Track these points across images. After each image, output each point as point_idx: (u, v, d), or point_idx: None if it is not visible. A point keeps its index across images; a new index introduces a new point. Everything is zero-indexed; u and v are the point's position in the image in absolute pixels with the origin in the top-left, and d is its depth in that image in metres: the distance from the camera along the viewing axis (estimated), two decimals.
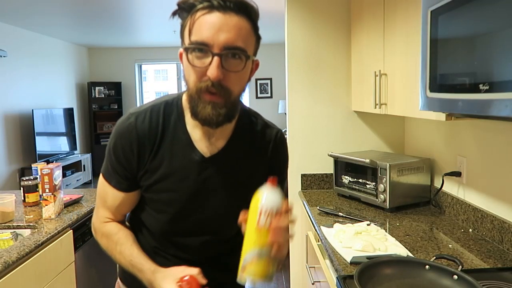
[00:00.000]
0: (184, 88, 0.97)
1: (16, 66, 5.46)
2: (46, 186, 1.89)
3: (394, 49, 1.74)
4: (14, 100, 5.44)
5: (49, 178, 1.89)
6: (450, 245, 1.48)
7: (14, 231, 1.83)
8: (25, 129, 5.65)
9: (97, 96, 7.54)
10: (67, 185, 5.90)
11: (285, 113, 2.60)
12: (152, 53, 7.85)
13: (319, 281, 1.64)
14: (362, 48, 2.18)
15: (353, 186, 2.14)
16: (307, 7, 2.37)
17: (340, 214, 1.87)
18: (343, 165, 2.22)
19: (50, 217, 1.89)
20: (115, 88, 7.76)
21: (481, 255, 1.39)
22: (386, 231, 1.62)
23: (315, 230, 1.76)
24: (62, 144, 6.37)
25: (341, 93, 2.43)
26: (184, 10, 0.86)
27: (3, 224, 1.84)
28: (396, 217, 1.83)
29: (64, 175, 5.74)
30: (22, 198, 2.11)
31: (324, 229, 1.67)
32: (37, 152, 5.56)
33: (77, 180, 6.40)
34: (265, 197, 0.76)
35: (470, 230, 1.64)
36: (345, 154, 2.20)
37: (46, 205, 1.89)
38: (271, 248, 0.78)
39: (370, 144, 2.46)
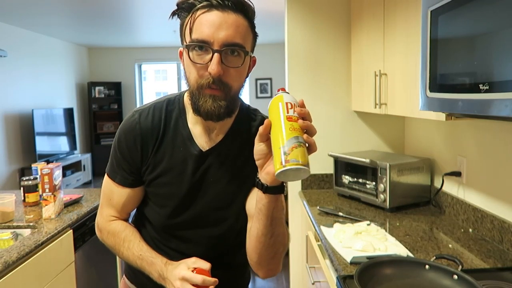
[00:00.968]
0: (184, 88, 1.01)
1: (16, 66, 5.46)
2: (46, 186, 1.89)
3: (394, 49, 1.74)
4: (14, 100, 5.44)
5: (49, 178, 1.89)
6: (450, 245, 1.48)
7: (14, 231, 1.83)
8: (25, 129, 5.65)
9: (97, 96, 7.53)
10: (67, 185, 5.90)
11: None
12: (152, 53, 7.85)
13: (319, 281, 1.64)
14: (362, 48, 2.18)
15: (353, 186, 2.14)
16: (307, 7, 2.37)
17: (340, 214, 1.87)
18: (343, 165, 2.22)
19: (50, 217, 1.89)
20: (115, 88, 7.76)
21: (481, 255, 1.39)
22: (386, 231, 1.62)
23: (315, 230, 1.76)
24: (62, 144, 6.37)
25: (341, 93, 2.43)
26: (184, 10, 0.89)
27: (3, 224, 1.84)
28: (396, 217, 1.83)
29: (64, 175, 5.74)
30: (22, 198, 2.11)
31: (324, 229, 1.67)
32: (37, 152, 5.56)
33: (77, 180, 6.39)
34: (285, 96, 0.80)
35: (470, 230, 1.64)
36: (345, 154, 2.20)
37: (46, 205, 1.89)
38: (304, 135, 0.78)
39: (370, 144, 2.46)
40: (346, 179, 2.19)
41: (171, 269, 0.92)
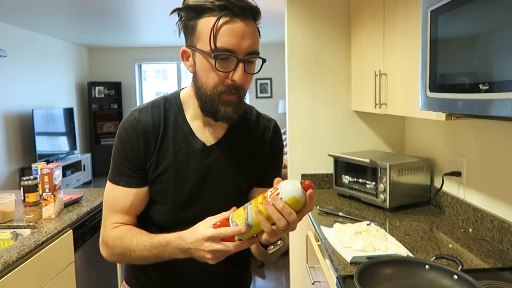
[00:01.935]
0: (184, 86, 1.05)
1: (16, 66, 5.46)
2: (46, 186, 1.89)
3: (394, 49, 1.74)
4: (14, 100, 5.44)
5: (49, 178, 1.89)
6: (450, 245, 1.48)
7: (14, 231, 1.83)
8: (25, 129, 5.65)
9: (97, 96, 7.53)
10: (67, 185, 5.90)
11: (285, 113, 2.60)
12: (152, 53, 7.85)
13: (319, 281, 1.64)
14: (362, 48, 2.18)
15: (353, 186, 2.14)
16: (307, 7, 2.37)
17: (340, 214, 1.87)
18: (343, 165, 2.22)
19: (50, 217, 1.89)
20: (115, 88, 7.76)
21: (481, 255, 1.39)
22: (386, 231, 1.62)
23: (315, 230, 1.76)
24: (62, 144, 6.37)
25: (341, 93, 2.43)
26: (192, 11, 0.90)
27: (3, 224, 1.84)
28: (396, 217, 1.83)
29: (64, 175, 5.74)
30: (22, 198, 2.11)
31: (324, 229, 1.67)
32: (37, 152, 5.56)
33: (77, 180, 6.39)
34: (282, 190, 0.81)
35: (470, 230, 1.64)
36: (345, 154, 2.20)
37: (46, 205, 1.89)
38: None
39: (370, 144, 2.46)
40: (346, 179, 2.19)
41: (190, 236, 0.87)
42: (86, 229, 2.04)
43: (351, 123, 2.45)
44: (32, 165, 2.20)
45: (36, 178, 2.09)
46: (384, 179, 1.90)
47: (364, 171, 2.07)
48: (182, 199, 1.00)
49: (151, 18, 5.25)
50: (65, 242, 1.83)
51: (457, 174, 1.76)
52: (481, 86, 0.95)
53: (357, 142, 2.45)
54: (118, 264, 2.27)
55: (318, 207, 1.97)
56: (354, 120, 2.45)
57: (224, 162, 1.02)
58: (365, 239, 1.45)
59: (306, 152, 2.45)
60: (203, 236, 0.84)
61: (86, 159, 6.80)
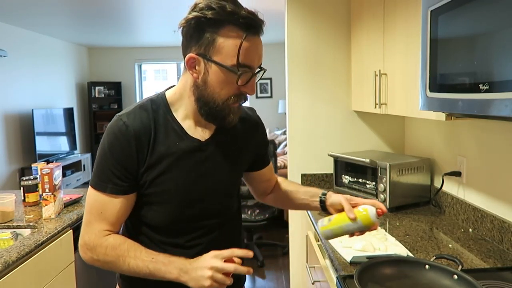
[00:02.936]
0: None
1: (16, 66, 5.46)
2: (46, 186, 1.89)
3: (394, 49, 1.74)
4: (14, 100, 5.44)
5: (49, 178, 1.89)
6: (450, 245, 1.48)
7: (14, 231, 1.83)
8: (25, 129, 5.65)
9: (97, 96, 7.53)
10: (67, 185, 5.90)
11: (285, 113, 2.60)
12: (152, 53, 7.85)
13: (319, 281, 1.64)
14: (362, 48, 2.18)
15: (353, 186, 2.14)
16: (307, 7, 2.37)
17: None
18: (343, 165, 2.22)
19: (50, 217, 1.89)
20: (115, 88, 7.75)
21: (481, 255, 1.39)
22: (386, 231, 1.62)
23: (315, 230, 1.76)
24: (62, 144, 6.36)
25: (341, 93, 2.43)
26: (213, 24, 0.90)
27: (3, 224, 1.84)
28: (396, 217, 1.83)
29: (64, 175, 5.74)
30: (22, 198, 2.11)
31: None
32: (37, 152, 5.56)
33: (77, 180, 6.40)
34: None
35: (470, 230, 1.64)
36: (345, 154, 2.20)
37: (46, 205, 1.89)
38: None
39: (370, 144, 2.46)
40: (346, 179, 2.19)
41: (195, 261, 0.91)
42: None
43: (351, 123, 2.45)
44: (32, 165, 2.20)
45: (36, 178, 2.09)
46: (384, 179, 1.90)
47: (364, 171, 2.07)
48: (185, 197, 1.02)
49: (151, 18, 5.24)
50: (65, 242, 1.83)
51: (457, 174, 1.76)
52: (481, 86, 0.95)
53: (357, 142, 2.45)
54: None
55: None
56: (354, 120, 2.45)
57: (218, 156, 1.05)
58: (365, 239, 1.45)
59: (306, 152, 2.44)
60: (208, 265, 0.88)
61: (86, 159, 6.80)
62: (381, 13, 1.87)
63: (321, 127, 2.45)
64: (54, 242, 1.74)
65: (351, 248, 1.42)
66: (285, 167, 4.41)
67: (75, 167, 6.40)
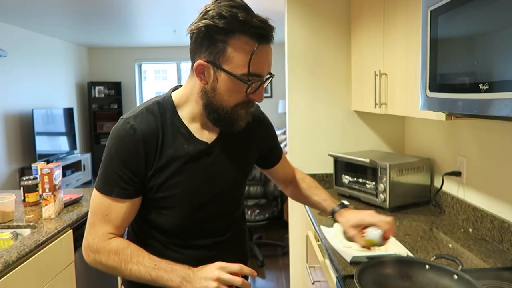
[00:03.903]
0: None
1: (16, 66, 5.46)
2: (46, 186, 1.89)
3: (394, 49, 1.74)
4: (14, 100, 5.44)
5: (49, 178, 1.89)
6: (450, 245, 1.48)
7: (14, 231, 1.83)
8: (25, 129, 5.65)
9: (97, 96, 7.53)
10: (67, 184, 5.90)
11: (285, 113, 2.60)
12: (152, 53, 7.85)
13: (319, 281, 1.64)
14: (362, 48, 2.18)
15: (353, 186, 2.14)
16: (307, 7, 2.37)
17: None
18: (343, 165, 2.22)
19: (50, 216, 1.89)
20: (115, 88, 7.75)
21: (481, 254, 1.39)
22: None
23: (315, 230, 1.76)
24: (62, 144, 6.36)
25: (341, 93, 2.43)
26: (225, 32, 0.88)
27: (3, 224, 1.84)
28: (396, 217, 1.83)
29: (64, 175, 5.74)
30: (22, 198, 2.11)
31: (324, 229, 1.67)
32: (37, 152, 5.56)
33: (77, 179, 6.39)
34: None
35: (470, 229, 1.64)
36: (345, 154, 2.20)
37: (46, 204, 1.89)
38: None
39: (370, 144, 2.46)
40: (346, 179, 2.19)
41: (199, 271, 0.89)
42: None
43: (351, 123, 2.45)
44: (32, 165, 2.20)
45: (36, 178, 2.09)
46: (384, 179, 1.90)
47: (364, 171, 2.07)
48: (194, 200, 1.02)
49: (151, 18, 5.24)
50: (65, 242, 1.83)
51: (457, 174, 1.76)
52: (481, 86, 0.95)
53: (357, 142, 2.45)
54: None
55: None
56: (354, 120, 2.45)
57: (225, 157, 1.06)
58: None
59: (306, 152, 2.44)
60: (213, 276, 0.86)
61: (86, 159, 6.80)
62: (381, 13, 1.87)
63: (321, 127, 2.45)
64: (54, 242, 1.74)
65: (351, 248, 1.42)
66: None
67: (75, 167, 6.40)
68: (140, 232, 1.07)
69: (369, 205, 2.01)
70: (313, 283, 1.69)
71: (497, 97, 0.90)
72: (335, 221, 1.19)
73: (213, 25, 0.88)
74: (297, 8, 2.37)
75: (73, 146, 6.66)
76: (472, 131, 1.68)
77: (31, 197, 2.10)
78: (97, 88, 7.54)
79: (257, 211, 3.56)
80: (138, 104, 6.43)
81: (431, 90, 1.19)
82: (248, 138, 1.12)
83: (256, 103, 1.05)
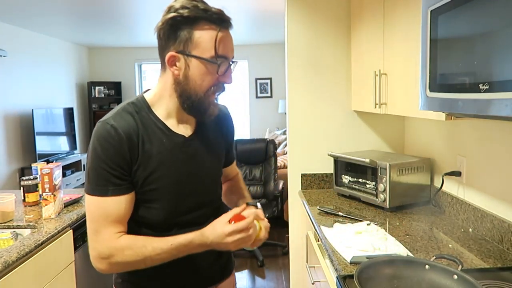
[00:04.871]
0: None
1: (16, 66, 5.46)
2: (46, 186, 1.89)
3: (394, 49, 1.74)
4: (14, 100, 5.44)
5: (49, 178, 1.89)
6: (450, 245, 1.48)
7: (14, 231, 1.83)
8: (25, 129, 5.64)
9: (97, 95, 7.53)
10: (67, 184, 5.90)
11: (285, 113, 2.60)
12: (152, 53, 7.80)
13: (319, 281, 1.64)
14: (362, 48, 2.18)
15: (353, 186, 2.14)
16: (307, 7, 2.37)
17: (340, 213, 1.87)
18: (343, 165, 2.22)
19: (50, 216, 1.89)
20: (115, 87, 7.75)
21: (481, 254, 1.39)
22: (386, 231, 1.62)
23: (315, 230, 1.76)
24: (62, 143, 6.36)
25: (341, 92, 2.43)
26: (188, 21, 0.97)
27: (3, 224, 1.84)
28: (396, 216, 1.83)
29: (64, 175, 5.74)
30: (22, 198, 2.11)
31: (324, 229, 1.67)
32: (37, 152, 5.55)
33: (77, 179, 6.39)
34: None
35: (470, 229, 1.64)
36: (345, 153, 2.20)
37: (46, 204, 1.89)
38: None
39: (370, 144, 2.46)
40: (346, 178, 2.19)
41: (210, 233, 0.98)
42: (86, 229, 2.04)
43: (351, 123, 2.45)
44: (32, 165, 2.20)
45: (36, 178, 2.09)
46: (384, 179, 1.90)
47: (364, 171, 2.07)
48: (179, 191, 1.06)
49: (151, 18, 5.24)
50: (65, 242, 1.83)
51: (457, 174, 1.76)
52: (481, 86, 0.95)
53: (357, 142, 2.45)
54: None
55: (318, 207, 1.98)
56: (354, 120, 2.45)
57: (203, 149, 1.12)
58: (365, 239, 1.45)
59: (306, 152, 2.44)
60: (224, 233, 0.97)
61: (86, 159, 6.79)
62: (381, 13, 1.87)
63: (321, 127, 2.45)
64: (54, 242, 1.74)
65: (351, 248, 1.42)
66: (285, 167, 4.41)
67: (75, 167, 6.40)
68: (128, 231, 1.07)
69: (369, 205, 2.01)
70: (313, 283, 1.69)
71: (497, 97, 0.90)
72: None
73: (178, 16, 0.96)
74: (297, 8, 2.37)
75: (73, 146, 6.66)
76: (472, 131, 1.68)
77: (31, 197, 2.10)
78: (97, 88, 7.53)
79: None
80: None
81: (431, 90, 1.19)
82: (219, 130, 1.20)
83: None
